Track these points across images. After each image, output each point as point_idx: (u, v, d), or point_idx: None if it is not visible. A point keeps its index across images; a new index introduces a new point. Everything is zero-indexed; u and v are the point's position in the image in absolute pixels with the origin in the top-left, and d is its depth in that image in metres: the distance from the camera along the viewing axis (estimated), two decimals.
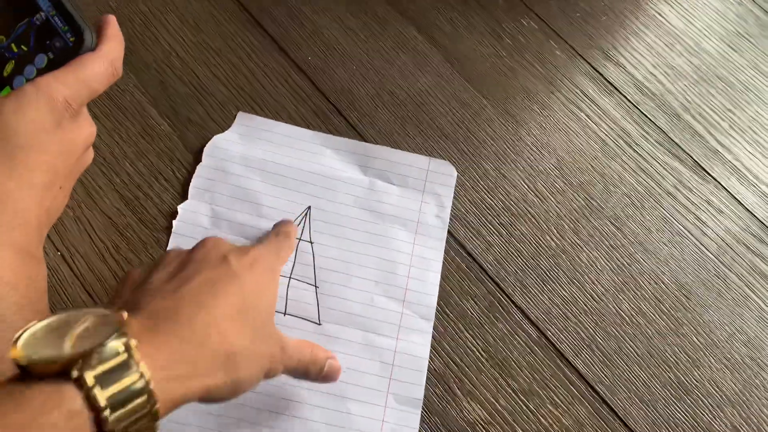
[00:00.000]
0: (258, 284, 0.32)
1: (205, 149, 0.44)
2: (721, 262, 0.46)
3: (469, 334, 0.41)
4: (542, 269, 0.44)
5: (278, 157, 0.45)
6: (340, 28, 0.51)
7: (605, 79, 0.53)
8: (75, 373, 0.23)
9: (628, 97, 0.53)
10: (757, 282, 0.46)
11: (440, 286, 0.42)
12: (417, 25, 0.53)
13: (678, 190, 0.49)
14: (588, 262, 0.45)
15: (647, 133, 0.51)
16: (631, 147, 0.50)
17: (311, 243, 0.43)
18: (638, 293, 0.44)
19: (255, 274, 0.32)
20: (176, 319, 0.28)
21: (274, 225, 0.41)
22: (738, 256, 0.47)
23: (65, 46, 0.35)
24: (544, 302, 0.43)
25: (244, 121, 0.46)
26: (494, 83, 0.51)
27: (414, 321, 0.40)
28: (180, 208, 0.43)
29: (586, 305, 0.43)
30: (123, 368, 0.24)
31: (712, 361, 0.43)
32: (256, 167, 0.44)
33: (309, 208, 0.44)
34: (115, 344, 0.24)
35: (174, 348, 0.27)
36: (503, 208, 0.46)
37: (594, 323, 0.43)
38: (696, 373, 0.42)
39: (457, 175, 0.46)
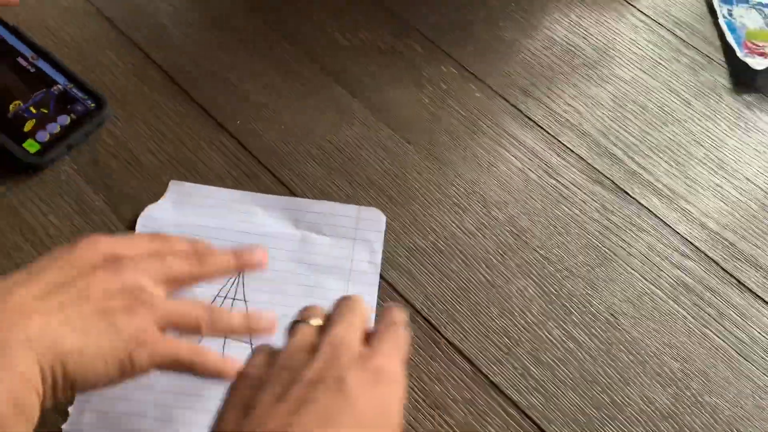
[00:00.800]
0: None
1: (139, 219, 0.46)
2: (647, 280, 0.48)
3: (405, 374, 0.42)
4: (473, 304, 0.46)
5: (210, 221, 0.47)
6: (267, 91, 0.54)
7: (524, 115, 0.56)
8: None
9: (548, 130, 0.55)
10: (682, 295, 0.48)
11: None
12: (340, 80, 0.55)
13: (601, 213, 0.51)
14: (518, 292, 0.47)
15: (568, 162, 0.54)
16: (552, 177, 0.53)
17: (246, 302, 0.44)
18: (568, 318, 0.46)
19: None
20: None
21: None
22: (663, 272, 0.49)
23: (88, 110, 0.48)
24: (476, 336, 0.44)
25: (176, 188, 0.48)
26: (418, 129, 0.54)
27: None
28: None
29: (517, 335, 0.45)
30: None
31: (644, 378, 0.44)
32: (189, 232, 0.46)
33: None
34: None
35: None
36: (433, 248, 0.48)
37: (526, 352, 0.44)
38: (628, 391, 0.43)
39: (387, 220, 0.48)
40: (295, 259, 0.46)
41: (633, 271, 0.48)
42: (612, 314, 0.46)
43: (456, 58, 0.59)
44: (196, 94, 0.52)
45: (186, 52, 0.55)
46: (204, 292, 0.43)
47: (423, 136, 0.53)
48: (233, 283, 0.44)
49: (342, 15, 0.60)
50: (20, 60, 0.50)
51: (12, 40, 0.50)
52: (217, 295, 0.44)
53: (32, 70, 0.49)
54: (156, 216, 0.47)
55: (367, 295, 0.44)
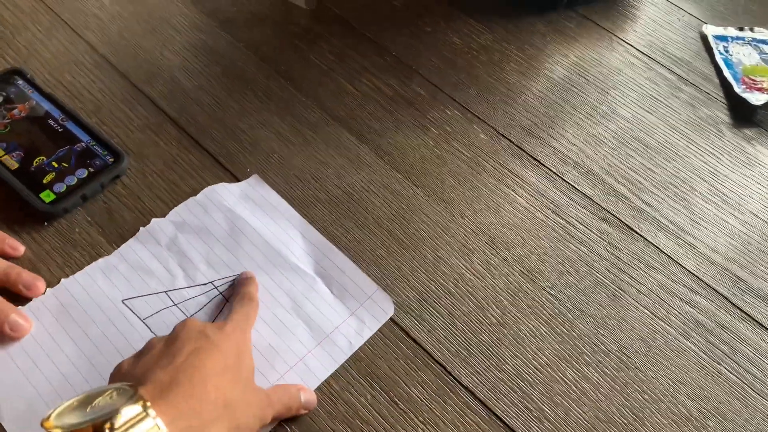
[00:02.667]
0: (236, 349, 0.38)
1: (204, 190, 0.51)
2: (657, 317, 0.48)
3: (420, 420, 0.42)
4: (485, 346, 0.46)
5: (256, 222, 0.49)
6: (276, 138, 0.55)
7: (529, 155, 0.57)
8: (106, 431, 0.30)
9: (552, 169, 0.56)
10: (693, 332, 0.48)
11: (388, 376, 0.44)
12: (347, 125, 0.57)
13: (609, 252, 0.52)
14: (529, 333, 0.47)
15: (574, 200, 0.54)
16: (559, 216, 0.53)
17: (226, 301, 0.46)
18: (580, 358, 0.46)
19: (231, 341, 0.38)
20: (176, 383, 0.34)
21: (238, 280, 0.46)
22: (673, 309, 0.49)
23: (105, 164, 0.50)
24: (490, 379, 0.44)
25: (254, 182, 0.52)
26: (424, 172, 0.55)
27: None
28: (153, 220, 0.48)
29: (530, 377, 0.45)
30: (143, 423, 0.31)
31: (659, 417, 0.44)
32: (230, 220, 0.49)
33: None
34: (134, 406, 0.31)
35: (180, 404, 0.33)
36: (443, 291, 0.48)
37: (540, 393, 0.44)
38: (643, 431, 0.43)
39: (397, 264, 0.49)
40: (291, 294, 0.46)
41: (643, 309, 0.49)
42: (624, 353, 0.46)
43: (459, 100, 0.60)
44: (207, 144, 0.54)
45: (197, 103, 0.56)
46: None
47: (429, 179, 0.54)
48: (232, 282, 0.46)
49: (348, 62, 0.61)
50: (51, 122, 0.52)
51: (46, 104, 0.53)
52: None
53: (60, 129, 0.52)
54: (220, 193, 0.51)
55: (324, 368, 0.43)
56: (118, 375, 0.37)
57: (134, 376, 0.35)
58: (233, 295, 0.45)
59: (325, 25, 0.64)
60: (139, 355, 0.38)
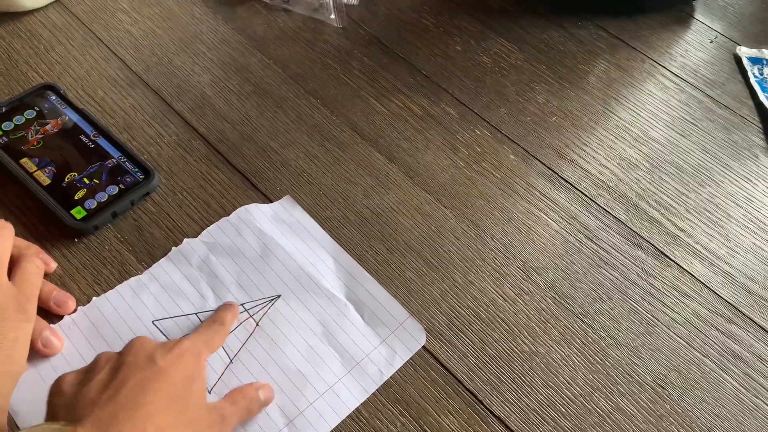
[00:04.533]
0: (184, 376, 0.36)
1: (238, 210, 0.50)
2: (693, 347, 0.47)
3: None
4: (517, 374, 0.45)
5: (286, 243, 0.49)
6: (306, 157, 0.55)
7: (560, 177, 0.56)
8: None
9: (585, 192, 0.55)
10: (730, 363, 0.47)
11: (418, 403, 0.43)
12: (377, 145, 0.56)
13: (642, 278, 0.51)
14: (561, 362, 0.46)
15: (606, 225, 0.53)
16: (591, 241, 0.52)
17: (257, 324, 0.45)
18: (614, 389, 0.45)
19: (181, 366, 0.37)
20: (116, 423, 0.32)
21: (219, 307, 0.45)
22: (709, 339, 0.48)
23: (136, 181, 0.50)
24: (521, 409, 0.43)
25: (287, 204, 0.52)
26: (454, 193, 0.54)
27: None
28: (185, 240, 0.48)
29: (563, 407, 0.44)
30: None
31: None
32: (262, 241, 0.49)
33: (278, 296, 0.46)
34: None
35: None
36: (474, 316, 0.47)
37: (573, 425, 0.43)
38: None
39: (424, 287, 0.48)
40: (323, 320, 0.46)
41: (678, 338, 0.48)
42: (659, 384, 0.45)
43: (489, 120, 0.60)
44: (237, 162, 0.54)
45: (228, 121, 0.56)
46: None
47: (459, 200, 0.54)
48: (263, 306, 0.46)
49: (377, 81, 0.61)
50: (82, 137, 0.53)
51: (79, 121, 0.54)
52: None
53: (92, 146, 0.52)
54: (252, 213, 0.50)
55: (353, 397, 0.43)
56: (57, 394, 0.36)
57: (74, 406, 0.34)
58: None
59: (356, 43, 0.64)
60: (84, 374, 0.36)
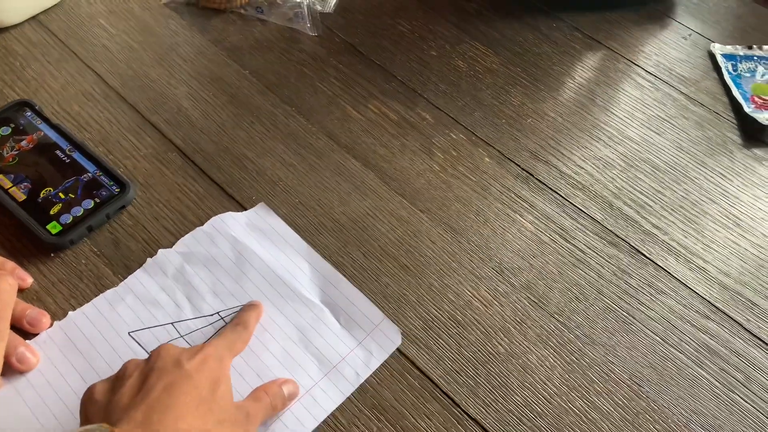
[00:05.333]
0: (209, 379, 0.38)
1: (212, 219, 0.51)
2: (669, 344, 0.48)
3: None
4: (493, 376, 0.45)
5: (263, 251, 0.49)
6: (282, 166, 0.55)
7: (535, 178, 0.57)
8: None
9: (560, 193, 0.56)
10: (706, 359, 0.47)
11: (395, 408, 0.43)
12: (353, 152, 0.57)
13: (618, 277, 0.51)
14: (538, 362, 0.46)
15: (582, 225, 0.54)
16: (567, 241, 0.53)
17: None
18: (590, 388, 0.45)
19: (205, 371, 0.38)
20: (150, 423, 0.34)
21: (243, 306, 0.46)
22: (685, 335, 0.48)
23: (111, 194, 0.50)
24: (498, 410, 0.44)
25: (261, 211, 0.52)
26: (431, 197, 0.54)
27: None
28: (160, 251, 0.48)
29: (540, 407, 0.44)
30: None
31: None
32: (236, 249, 0.49)
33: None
34: None
35: None
36: (450, 319, 0.48)
37: (549, 425, 0.43)
38: None
39: (402, 292, 0.48)
40: (299, 325, 0.46)
41: (654, 336, 0.48)
42: (635, 381, 0.46)
43: (465, 124, 0.60)
44: (213, 173, 0.54)
45: (204, 132, 0.57)
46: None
47: (435, 204, 0.54)
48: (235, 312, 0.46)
49: (353, 88, 0.62)
50: (58, 152, 0.53)
51: (53, 135, 0.54)
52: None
53: (67, 160, 0.52)
54: (227, 222, 0.51)
55: (331, 399, 0.43)
56: (90, 402, 0.37)
57: (108, 411, 0.36)
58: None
59: (331, 51, 0.64)
60: (114, 381, 0.38)
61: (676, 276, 0.51)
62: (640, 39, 0.69)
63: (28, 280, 0.46)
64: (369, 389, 0.44)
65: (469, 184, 0.56)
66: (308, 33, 0.65)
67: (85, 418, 0.37)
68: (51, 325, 0.45)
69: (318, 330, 0.46)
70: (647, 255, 0.52)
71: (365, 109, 0.60)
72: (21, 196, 0.50)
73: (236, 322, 0.44)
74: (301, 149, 0.57)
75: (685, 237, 0.54)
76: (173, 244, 0.49)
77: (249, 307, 0.46)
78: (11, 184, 0.51)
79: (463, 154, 0.58)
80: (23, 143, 0.53)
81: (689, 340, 0.48)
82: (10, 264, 0.46)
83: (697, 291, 0.50)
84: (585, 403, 0.44)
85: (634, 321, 0.49)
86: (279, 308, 0.47)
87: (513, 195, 0.55)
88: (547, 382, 0.45)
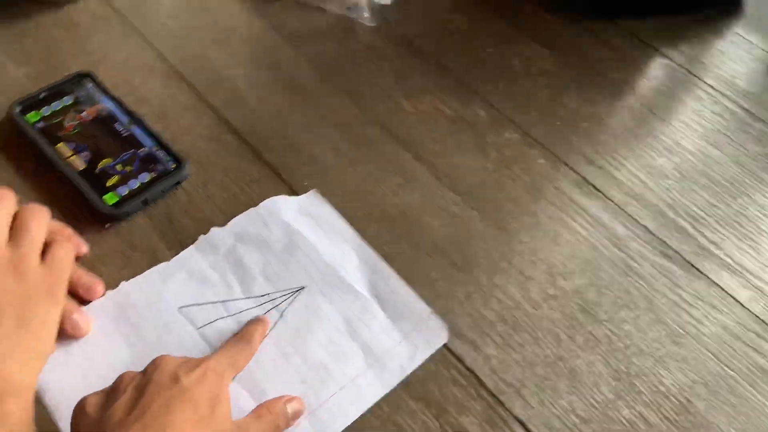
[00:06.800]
0: (208, 396, 0.36)
1: (264, 202, 0.51)
2: (721, 361, 0.46)
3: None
4: (540, 378, 0.45)
5: (314, 237, 0.49)
6: (334, 154, 0.55)
7: (589, 183, 0.56)
8: None
9: (613, 200, 0.55)
10: (759, 379, 0.46)
11: (439, 402, 0.43)
12: (406, 144, 0.57)
13: (670, 289, 0.50)
14: (585, 368, 0.45)
15: (635, 234, 0.53)
16: (619, 249, 0.52)
17: (281, 315, 0.45)
18: (638, 398, 0.44)
19: (204, 386, 0.36)
20: None
21: (248, 321, 0.44)
22: (737, 353, 0.47)
23: (167, 170, 0.51)
24: (543, 413, 0.43)
25: (312, 198, 0.52)
26: (482, 195, 0.54)
27: None
28: (212, 229, 0.49)
29: (586, 413, 0.43)
30: None
31: None
32: (288, 233, 0.49)
33: (303, 288, 0.47)
34: None
35: None
36: (498, 319, 0.47)
37: None
38: None
39: (450, 288, 0.48)
40: (345, 314, 0.46)
41: (706, 351, 0.47)
42: (684, 396, 0.45)
43: (519, 124, 0.59)
44: (267, 156, 0.54)
45: (259, 115, 0.57)
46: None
47: (487, 203, 0.53)
48: (288, 297, 0.46)
49: (408, 81, 0.61)
50: (117, 125, 0.53)
51: (114, 109, 0.55)
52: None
53: (125, 134, 0.53)
54: (279, 205, 0.51)
55: (373, 392, 0.43)
56: (81, 415, 0.36)
57: (100, 427, 0.34)
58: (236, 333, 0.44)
59: (388, 43, 0.64)
60: (108, 395, 0.36)
61: (730, 293, 0.50)
62: (702, 50, 0.68)
63: (84, 248, 0.47)
64: (414, 381, 0.44)
65: (521, 184, 0.55)
66: (366, 23, 0.65)
67: (74, 427, 0.36)
68: (103, 294, 0.45)
69: (364, 320, 0.46)
70: (701, 269, 0.51)
71: (419, 103, 0.60)
72: (80, 165, 0.51)
73: (240, 336, 0.43)
74: (353, 138, 0.56)
75: (741, 254, 0.52)
76: (225, 223, 0.50)
77: (255, 322, 0.44)
78: (71, 153, 0.51)
79: (517, 154, 0.57)
80: (84, 114, 0.54)
81: (742, 358, 0.47)
82: (68, 230, 0.46)
83: (752, 310, 0.49)
84: (632, 412, 0.44)
85: (685, 335, 0.48)
86: (326, 295, 0.47)
87: (566, 198, 0.54)
88: (594, 388, 0.44)
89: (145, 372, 0.37)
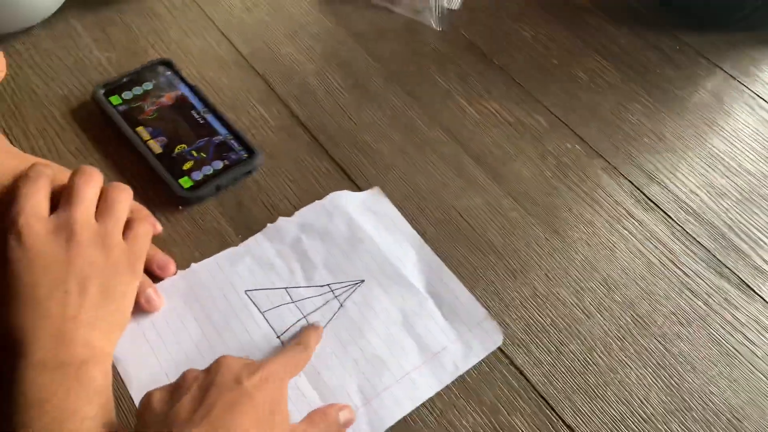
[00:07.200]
0: (269, 400, 0.37)
1: (330, 195, 0.53)
2: None
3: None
4: (591, 387, 0.45)
5: (375, 233, 0.51)
6: (398, 153, 0.57)
7: (648, 198, 0.56)
8: None
9: (672, 216, 0.55)
10: None
11: (492, 402, 0.44)
12: (466, 148, 0.58)
13: (725, 308, 0.50)
14: (636, 380, 0.46)
15: (692, 251, 0.53)
16: (675, 265, 0.52)
17: (341, 305, 0.47)
18: (688, 414, 0.45)
19: (265, 390, 0.37)
20: None
21: (302, 328, 0.46)
22: None
23: (240, 159, 0.53)
24: (593, 421, 0.44)
25: (374, 194, 0.54)
26: (541, 202, 0.55)
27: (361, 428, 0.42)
28: (280, 218, 0.51)
29: (635, 425, 0.44)
30: None
31: None
32: (351, 227, 0.51)
33: (362, 281, 0.48)
34: None
35: None
36: (551, 325, 0.48)
37: None
38: None
39: (506, 292, 0.49)
40: (403, 309, 0.47)
41: (759, 373, 0.47)
42: (735, 416, 0.45)
43: (580, 135, 0.60)
44: (334, 153, 0.56)
45: (327, 111, 0.59)
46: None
47: (545, 210, 0.54)
48: (348, 288, 0.48)
49: (473, 86, 0.62)
50: (193, 113, 0.56)
51: (191, 96, 0.57)
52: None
53: (201, 121, 0.55)
54: (344, 200, 0.53)
55: (428, 385, 0.44)
56: (148, 411, 0.37)
57: (167, 423, 0.35)
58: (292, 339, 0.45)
59: (454, 48, 0.65)
60: (172, 392, 0.37)
61: None
62: (766, 71, 0.67)
63: (159, 228, 0.49)
64: (467, 380, 0.45)
65: (580, 194, 0.56)
66: (433, 27, 0.66)
67: (141, 425, 0.37)
68: (175, 273, 0.48)
69: (421, 317, 0.47)
70: (757, 291, 0.51)
71: (482, 108, 0.61)
72: (158, 149, 0.53)
73: (297, 342, 0.44)
74: (416, 139, 0.58)
75: None
76: (292, 213, 0.52)
77: (310, 328, 0.45)
78: (149, 137, 0.54)
79: (577, 164, 0.58)
80: (162, 99, 0.56)
81: None
82: (145, 211, 0.49)
83: None
84: (681, 428, 0.44)
85: (738, 355, 0.48)
86: (385, 289, 0.48)
87: (624, 211, 0.55)
88: (644, 401, 0.45)
89: (208, 371, 0.38)
